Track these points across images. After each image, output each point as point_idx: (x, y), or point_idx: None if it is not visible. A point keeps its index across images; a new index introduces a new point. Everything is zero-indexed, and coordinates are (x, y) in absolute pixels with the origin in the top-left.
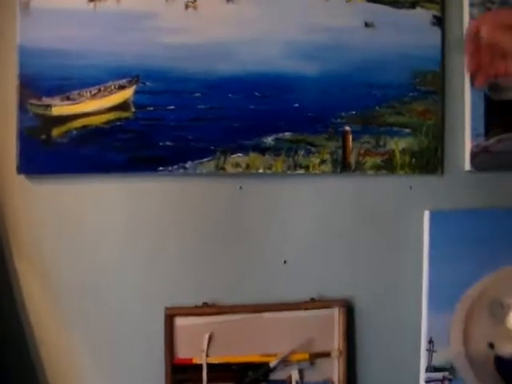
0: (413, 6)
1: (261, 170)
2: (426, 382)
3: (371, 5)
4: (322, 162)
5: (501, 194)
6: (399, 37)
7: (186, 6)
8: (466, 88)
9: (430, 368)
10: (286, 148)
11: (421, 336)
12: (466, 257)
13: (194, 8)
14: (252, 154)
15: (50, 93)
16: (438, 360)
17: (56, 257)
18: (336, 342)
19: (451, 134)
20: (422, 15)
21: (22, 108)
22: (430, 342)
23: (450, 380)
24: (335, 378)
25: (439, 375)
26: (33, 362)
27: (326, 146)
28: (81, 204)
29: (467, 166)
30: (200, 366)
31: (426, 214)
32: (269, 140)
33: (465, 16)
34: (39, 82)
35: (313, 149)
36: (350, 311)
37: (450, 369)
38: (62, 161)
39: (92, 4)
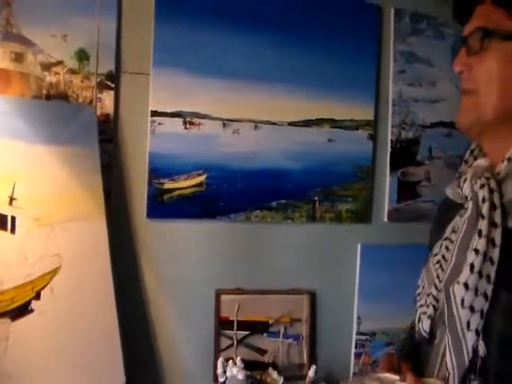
0: (356, 128)
1: (268, 220)
2: (356, 340)
3: (333, 129)
4: (301, 215)
5: (406, 236)
6: (348, 146)
7: (233, 132)
8: (386, 174)
9: (358, 333)
10: (282, 208)
11: (353, 314)
12: (382, 271)
13: (238, 133)
14: (265, 211)
15: (163, 177)
16: (363, 328)
17: (164, 267)
18: (305, 313)
19: (377, 200)
20: (362, 134)
21: (150, 184)
22: (359, 317)
23: (369, 341)
24: (304, 334)
25: (363, 337)
26: (147, 320)
27: (304, 207)
28: (177, 234)
29: (385, 218)
30: (233, 321)
31: (359, 246)
32: (273, 204)
33: (388, 134)
34: (158, 171)
35: (296, 209)
36: (313, 297)
37: (370, 334)
38: (168, 212)
39: (186, 130)
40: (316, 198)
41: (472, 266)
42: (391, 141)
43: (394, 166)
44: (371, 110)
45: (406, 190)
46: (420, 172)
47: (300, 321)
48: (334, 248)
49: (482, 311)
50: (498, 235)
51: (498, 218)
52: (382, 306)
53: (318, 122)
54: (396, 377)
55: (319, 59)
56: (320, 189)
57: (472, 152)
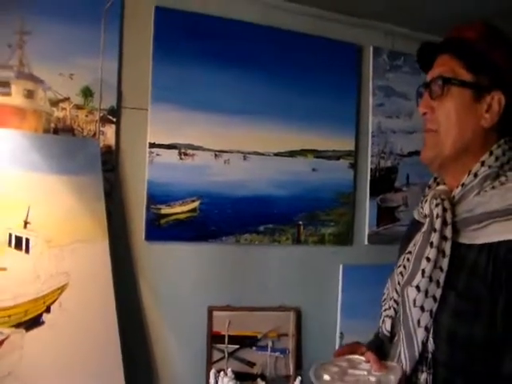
0: (338, 158)
1: (257, 243)
2: None
3: (316, 159)
4: (287, 239)
5: (385, 257)
6: (330, 175)
7: (224, 162)
8: (366, 200)
9: (341, 346)
10: (269, 232)
11: (336, 329)
12: (362, 289)
13: (228, 163)
14: (253, 235)
15: (160, 203)
16: (345, 343)
17: (161, 285)
18: (291, 329)
19: (357, 224)
20: (343, 163)
21: (148, 210)
22: (341, 333)
23: None
24: (290, 347)
25: None
26: (145, 334)
27: (289, 231)
28: (173, 255)
29: (366, 241)
30: (224, 336)
31: (341, 267)
32: (261, 228)
33: (368, 163)
34: (156, 198)
35: (282, 233)
36: (299, 314)
37: None
38: (165, 235)
39: (181, 161)
40: (301, 223)
41: (423, 272)
42: (371, 169)
43: (373, 193)
44: (352, 140)
45: (385, 215)
46: (398, 198)
47: (287, 335)
48: (317, 268)
49: (431, 311)
50: (447, 247)
51: (448, 233)
52: (363, 322)
53: (303, 153)
54: (362, 358)
55: (303, 94)
56: (304, 214)
57: (435, 179)
